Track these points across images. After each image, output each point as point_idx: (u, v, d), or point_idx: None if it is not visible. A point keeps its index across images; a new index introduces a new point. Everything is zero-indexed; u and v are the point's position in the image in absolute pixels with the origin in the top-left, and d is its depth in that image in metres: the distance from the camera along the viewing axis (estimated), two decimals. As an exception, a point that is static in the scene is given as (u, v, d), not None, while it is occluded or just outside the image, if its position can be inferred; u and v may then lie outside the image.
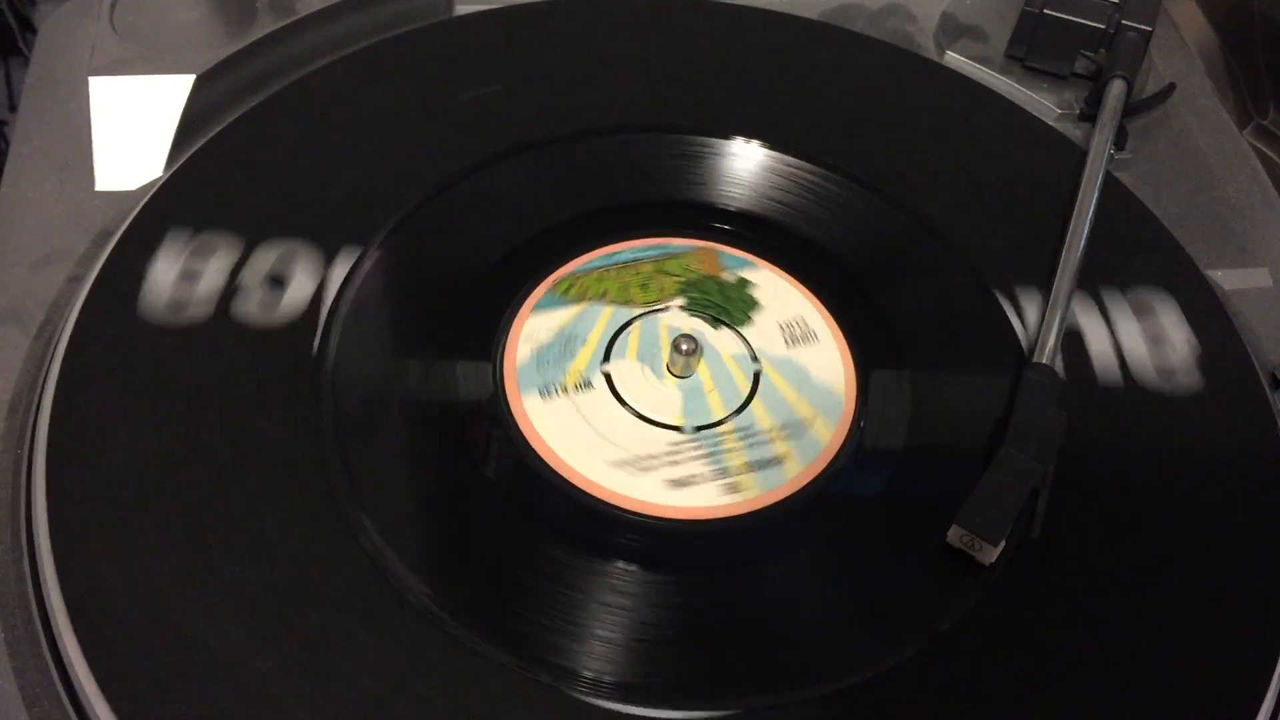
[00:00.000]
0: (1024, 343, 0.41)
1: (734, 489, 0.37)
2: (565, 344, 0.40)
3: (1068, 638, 0.34)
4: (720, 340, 0.41)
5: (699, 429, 0.38)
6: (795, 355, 0.41)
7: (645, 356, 0.40)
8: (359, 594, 0.33)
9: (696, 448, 0.38)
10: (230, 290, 0.39)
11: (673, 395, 0.39)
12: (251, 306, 0.39)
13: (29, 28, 0.55)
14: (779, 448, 0.38)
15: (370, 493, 0.35)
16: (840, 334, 0.41)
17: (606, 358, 0.40)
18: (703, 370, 0.40)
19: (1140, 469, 0.38)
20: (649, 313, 0.41)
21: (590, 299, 0.41)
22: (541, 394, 0.39)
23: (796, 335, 0.41)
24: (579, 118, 0.47)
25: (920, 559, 0.35)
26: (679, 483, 0.37)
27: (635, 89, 0.49)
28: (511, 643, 0.32)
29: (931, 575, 0.35)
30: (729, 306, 0.41)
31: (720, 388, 0.40)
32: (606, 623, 0.33)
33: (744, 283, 0.42)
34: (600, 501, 0.36)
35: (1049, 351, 0.40)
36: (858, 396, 0.40)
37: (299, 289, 0.40)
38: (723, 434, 0.38)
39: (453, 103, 0.47)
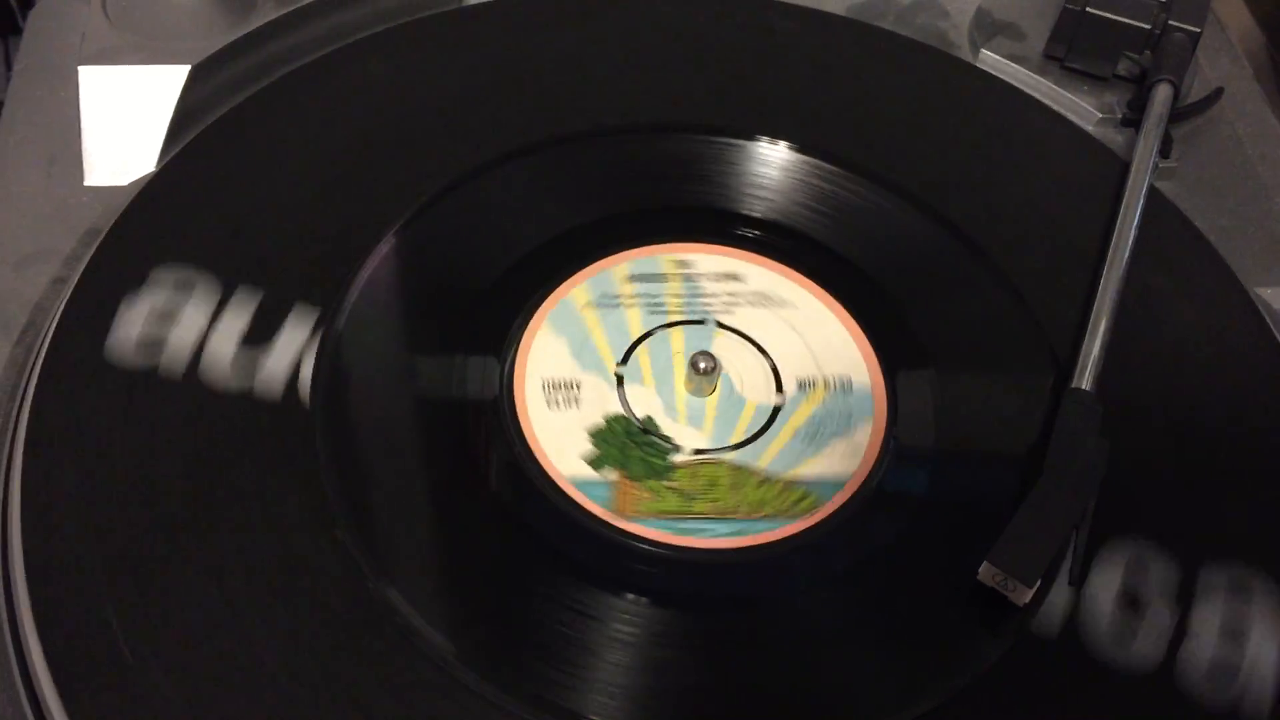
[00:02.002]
0: (1061, 363, 0.39)
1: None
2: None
3: (1109, 686, 0.32)
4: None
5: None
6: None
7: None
8: (348, 622, 0.31)
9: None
10: (222, 297, 0.37)
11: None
12: (243, 315, 0.37)
13: (29, 4, 0.53)
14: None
15: (362, 513, 0.33)
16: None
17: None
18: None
19: (1185, 503, 0.36)
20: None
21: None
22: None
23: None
24: (593, 116, 0.45)
25: (950, 597, 0.34)
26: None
27: (654, 86, 0.47)
28: (508, 679, 0.31)
29: (962, 615, 0.33)
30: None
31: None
32: (612, 661, 0.32)
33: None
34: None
35: (1089, 375, 0.37)
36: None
37: (291, 294, 0.38)
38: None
39: (463, 97, 0.45)
